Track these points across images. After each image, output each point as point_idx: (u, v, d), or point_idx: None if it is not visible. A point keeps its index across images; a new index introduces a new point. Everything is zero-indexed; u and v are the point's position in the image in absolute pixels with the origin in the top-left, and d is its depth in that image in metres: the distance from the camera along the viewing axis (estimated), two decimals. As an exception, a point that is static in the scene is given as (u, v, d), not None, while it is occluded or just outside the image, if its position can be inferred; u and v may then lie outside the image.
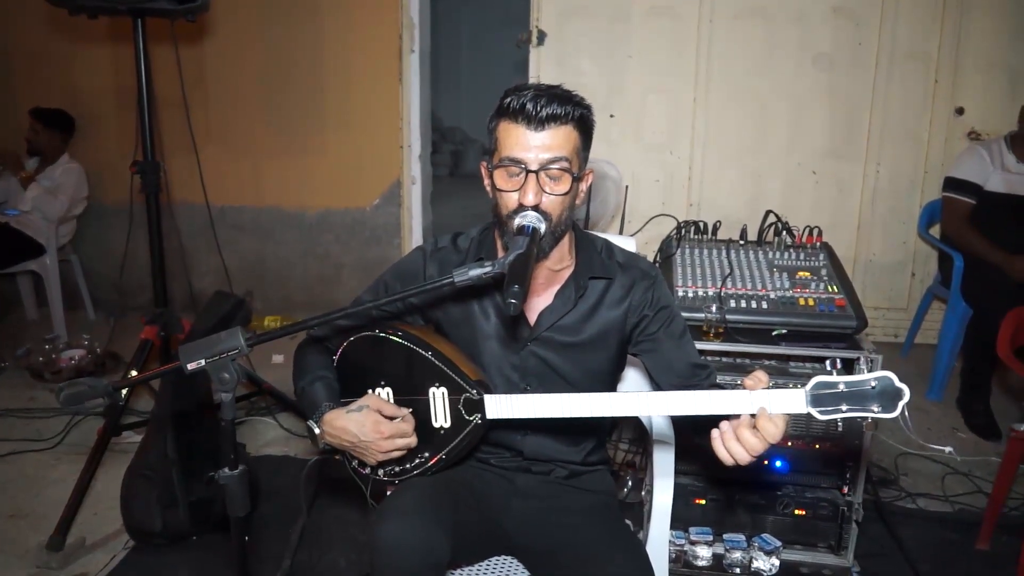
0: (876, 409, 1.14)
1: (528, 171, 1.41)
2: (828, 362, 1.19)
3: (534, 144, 1.40)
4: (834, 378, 1.16)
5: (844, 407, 1.15)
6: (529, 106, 1.39)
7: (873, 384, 1.14)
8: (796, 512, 2.23)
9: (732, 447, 1.24)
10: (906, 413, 1.16)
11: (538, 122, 1.39)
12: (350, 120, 4.58)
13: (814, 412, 1.16)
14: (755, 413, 1.22)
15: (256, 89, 4.65)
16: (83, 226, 4.76)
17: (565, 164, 1.42)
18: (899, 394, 1.13)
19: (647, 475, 2.16)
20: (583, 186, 1.52)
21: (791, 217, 2.64)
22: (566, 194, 1.44)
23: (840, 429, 2.10)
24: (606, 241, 1.67)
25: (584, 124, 1.46)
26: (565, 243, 1.56)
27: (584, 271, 1.58)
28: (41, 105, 4.41)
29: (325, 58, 4.54)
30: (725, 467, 1.27)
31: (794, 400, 1.18)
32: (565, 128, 1.42)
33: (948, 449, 3.18)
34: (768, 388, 1.21)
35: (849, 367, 2.12)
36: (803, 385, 1.18)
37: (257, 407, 3.40)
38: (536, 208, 1.40)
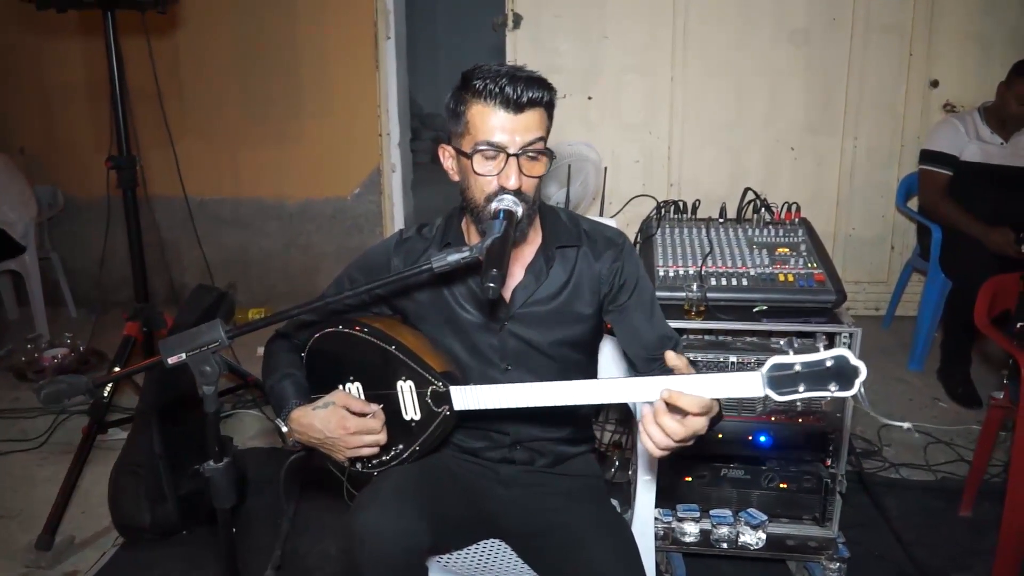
0: (833, 388, 1.11)
1: (509, 155, 1.41)
2: (784, 341, 1.17)
3: (513, 127, 1.41)
4: (790, 359, 1.13)
5: (801, 387, 1.12)
6: (508, 90, 1.39)
7: (829, 363, 1.11)
8: (781, 486, 2.25)
9: (651, 431, 1.20)
10: (862, 390, 1.11)
11: (517, 105, 1.40)
12: (328, 109, 4.54)
13: (772, 394, 1.13)
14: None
15: (231, 79, 4.60)
16: (61, 223, 4.71)
17: (541, 145, 1.44)
18: (856, 371, 1.10)
19: (633, 455, 2.18)
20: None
21: (770, 193, 2.65)
22: (542, 176, 1.46)
23: (823, 404, 2.12)
24: (569, 211, 1.69)
25: (552, 107, 1.47)
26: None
27: (551, 241, 1.59)
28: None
29: (300, 47, 4.49)
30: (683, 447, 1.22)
31: (751, 383, 1.15)
32: (539, 110, 1.43)
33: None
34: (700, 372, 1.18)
35: (830, 340, 2.13)
36: (760, 367, 1.15)
37: (243, 400, 3.40)
38: (517, 192, 1.41)
